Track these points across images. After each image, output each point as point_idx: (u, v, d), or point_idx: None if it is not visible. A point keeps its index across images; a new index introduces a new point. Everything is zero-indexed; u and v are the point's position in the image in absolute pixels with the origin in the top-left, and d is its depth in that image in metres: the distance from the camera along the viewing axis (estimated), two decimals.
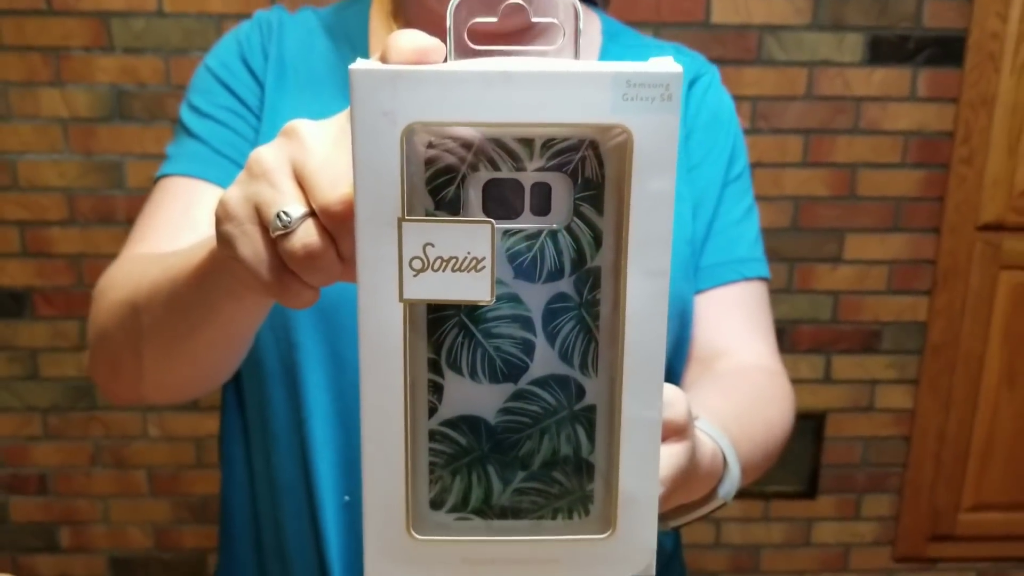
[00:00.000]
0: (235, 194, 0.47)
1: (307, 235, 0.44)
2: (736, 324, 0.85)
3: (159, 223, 0.79)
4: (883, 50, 2.08)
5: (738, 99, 2.05)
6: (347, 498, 0.81)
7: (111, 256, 0.81)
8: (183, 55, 1.95)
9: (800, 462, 2.33)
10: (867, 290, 2.22)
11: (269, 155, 0.47)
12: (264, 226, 0.46)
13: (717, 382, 0.81)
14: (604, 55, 0.87)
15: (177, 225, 0.78)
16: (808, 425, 2.30)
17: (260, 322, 0.65)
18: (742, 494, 2.27)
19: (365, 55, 0.83)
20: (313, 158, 0.45)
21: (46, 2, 1.91)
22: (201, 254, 0.57)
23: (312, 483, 0.81)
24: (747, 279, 0.86)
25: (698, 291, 0.85)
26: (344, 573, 0.81)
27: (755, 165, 2.09)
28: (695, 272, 0.85)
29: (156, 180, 0.84)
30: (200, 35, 1.95)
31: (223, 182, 0.80)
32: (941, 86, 2.10)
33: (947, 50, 2.08)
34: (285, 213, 0.44)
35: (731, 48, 2.03)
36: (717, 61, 1.99)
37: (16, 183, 2.01)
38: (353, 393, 0.77)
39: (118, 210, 2.03)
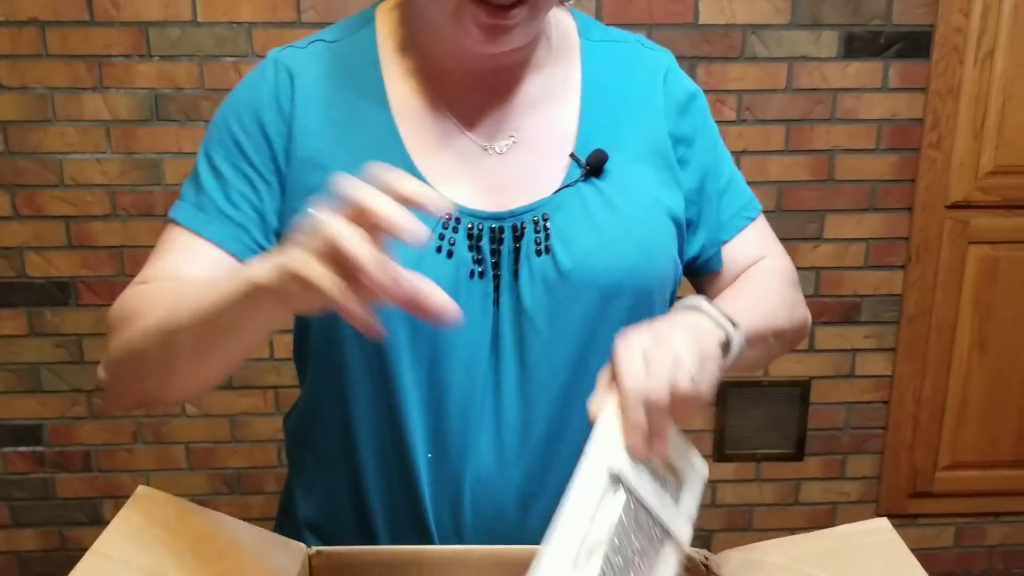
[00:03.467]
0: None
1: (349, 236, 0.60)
2: (756, 252, 1.01)
3: (161, 269, 0.87)
4: (857, 45, 2.16)
5: (724, 93, 2.14)
6: (429, 455, 0.89)
7: (150, 247, 0.89)
8: (216, 60, 2.05)
9: (788, 426, 2.42)
10: (846, 266, 2.30)
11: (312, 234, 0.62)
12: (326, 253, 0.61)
13: (739, 283, 0.98)
14: (584, 56, 0.93)
15: (176, 274, 0.86)
16: (794, 392, 2.39)
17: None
18: (734, 457, 2.40)
19: (380, 91, 0.89)
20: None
21: (89, 13, 2.01)
22: (241, 287, 0.68)
23: (402, 444, 0.88)
24: (753, 219, 1.01)
25: (724, 241, 0.99)
26: (434, 508, 0.90)
27: (741, 153, 2.18)
28: (717, 226, 0.98)
29: (169, 216, 0.89)
30: (231, 42, 2.05)
31: (220, 241, 0.87)
32: (910, 77, 2.19)
33: (915, 44, 2.16)
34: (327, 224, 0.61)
35: (717, 46, 2.13)
36: (705, 59, 2.14)
37: (62, 181, 2.11)
38: (438, 359, 0.85)
39: (157, 205, 2.13)
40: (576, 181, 0.89)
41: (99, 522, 2.34)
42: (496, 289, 0.86)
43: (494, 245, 0.86)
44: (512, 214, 0.87)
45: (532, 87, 0.92)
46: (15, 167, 2.10)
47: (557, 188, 0.89)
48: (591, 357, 0.87)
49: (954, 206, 2.27)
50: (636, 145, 0.92)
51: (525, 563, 0.81)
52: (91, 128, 2.09)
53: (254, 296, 0.67)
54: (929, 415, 2.42)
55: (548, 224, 0.87)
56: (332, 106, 0.89)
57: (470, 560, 0.82)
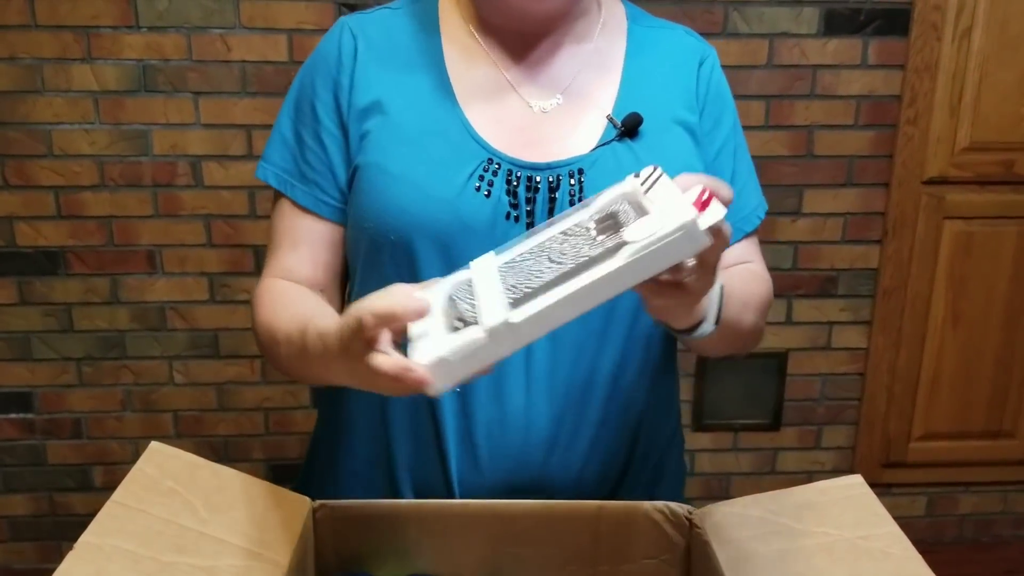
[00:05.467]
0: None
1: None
2: (746, 257, 1.06)
3: (277, 243, 1.01)
4: (836, 22, 2.18)
5: None
6: (457, 400, 0.95)
7: (138, 217, 0.92)
8: (203, 32, 2.06)
9: (765, 397, 2.46)
10: (824, 240, 2.34)
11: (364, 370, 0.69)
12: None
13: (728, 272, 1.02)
14: (630, 36, 1.02)
15: (287, 243, 1.00)
16: (771, 363, 2.43)
17: None
18: (712, 427, 2.45)
19: (437, 47, 0.98)
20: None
21: None
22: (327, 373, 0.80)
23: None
24: (755, 228, 1.07)
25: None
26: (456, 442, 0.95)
27: None
28: None
29: (267, 181, 1.02)
30: (219, 13, 2.06)
31: (309, 205, 0.99)
32: (889, 54, 2.21)
33: (894, 21, 2.19)
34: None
35: (699, 22, 2.15)
36: None
37: (51, 151, 2.11)
38: None
39: (144, 175, 2.14)
40: (611, 140, 0.96)
41: (89, 488, 2.36)
42: None
43: (530, 194, 0.93)
44: (549, 167, 0.94)
45: (578, 56, 1.00)
46: (4, 137, 2.11)
47: (594, 146, 0.96)
48: (618, 304, 0.94)
49: (930, 182, 2.30)
50: (669, 117, 0.99)
51: (520, 517, 0.85)
52: (79, 99, 2.10)
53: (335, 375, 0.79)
54: (903, 387, 2.47)
55: (583, 179, 0.94)
56: (391, 59, 0.98)
57: (467, 513, 0.86)
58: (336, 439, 1.05)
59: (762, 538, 0.80)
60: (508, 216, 0.93)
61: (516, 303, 0.67)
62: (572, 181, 0.94)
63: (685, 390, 2.44)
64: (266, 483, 0.83)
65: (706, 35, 2.10)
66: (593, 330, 0.95)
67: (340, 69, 0.98)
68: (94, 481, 2.36)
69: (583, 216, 0.75)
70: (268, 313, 0.95)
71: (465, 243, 0.90)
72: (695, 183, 0.70)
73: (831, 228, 2.35)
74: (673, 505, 0.86)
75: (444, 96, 0.96)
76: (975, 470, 2.57)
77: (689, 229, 0.66)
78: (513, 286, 0.70)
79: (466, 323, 0.68)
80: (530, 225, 0.93)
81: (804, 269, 2.37)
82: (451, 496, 0.95)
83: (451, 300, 0.72)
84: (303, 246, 0.99)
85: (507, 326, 0.66)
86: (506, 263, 0.75)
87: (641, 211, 0.70)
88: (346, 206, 0.98)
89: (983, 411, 2.51)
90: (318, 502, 0.84)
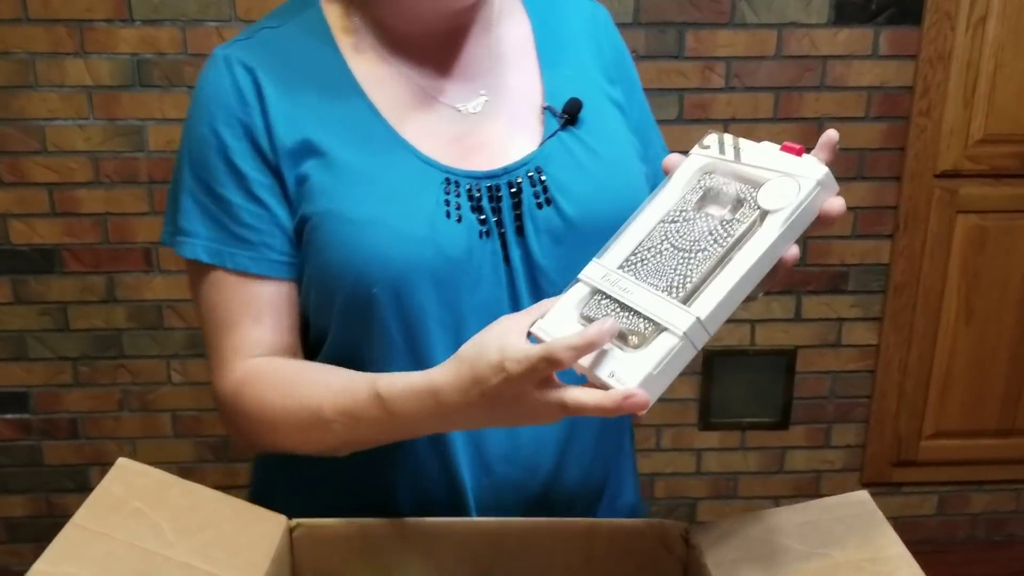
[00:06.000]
0: (512, 420, 0.74)
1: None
2: None
3: (232, 321, 0.88)
4: (847, 11, 2.14)
5: (713, 60, 2.13)
6: None
7: (134, 214, 0.90)
8: (199, 25, 2.03)
9: (773, 395, 2.43)
10: (833, 235, 2.30)
11: (512, 399, 0.71)
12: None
13: None
14: (530, 13, 0.98)
15: (247, 318, 0.88)
16: (780, 361, 2.40)
17: None
18: (719, 426, 2.42)
19: (343, 68, 0.89)
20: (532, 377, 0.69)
21: None
22: (437, 424, 0.79)
23: None
24: None
25: None
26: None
27: (729, 121, 2.18)
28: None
29: (186, 256, 0.89)
30: (215, 6, 2.02)
31: (263, 271, 0.88)
32: (901, 44, 2.17)
33: (906, 10, 2.15)
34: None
35: (706, 12, 2.11)
36: (693, 25, 2.13)
37: (45, 147, 2.09)
38: (462, 322, 0.86)
39: (140, 171, 2.11)
40: (557, 131, 0.91)
41: (86, 489, 2.29)
42: (504, 247, 0.88)
43: (494, 204, 0.88)
44: (506, 171, 0.89)
45: (489, 46, 0.95)
46: None
47: (540, 141, 0.91)
48: None
49: (943, 175, 2.26)
50: (596, 91, 0.96)
51: (509, 536, 0.81)
52: (74, 94, 2.07)
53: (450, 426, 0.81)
54: (914, 384, 2.43)
55: (543, 177, 0.89)
56: (300, 91, 0.88)
57: (452, 531, 0.82)
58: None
59: (761, 560, 0.75)
60: (481, 235, 0.87)
61: (688, 300, 0.67)
62: (533, 182, 0.89)
63: (691, 388, 2.41)
64: (241, 501, 0.79)
65: (713, 26, 2.16)
66: None
67: (246, 110, 0.86)
68: (91, 482, 2.34)
69: (672, 202, 0.76)
70: (284, 397, 0.85)
71: (453, 275, 0.85)
72: (677, 163, 0.77)
73: (841, 223, 2.24)
74: (668, 523, 0.82)
75: (374, 120, 0.88)
76: (988, 468, 2.53)
77: (825, 182, 0.69)
78: (665, 285, 0.70)
79: (635, 335, 0.68)
80: (502, 239, 0.88)
81: (814, 265, 2.34)
82: (459, 502, 0.90)
83: (586, 319, 0.72)
84: (266, 315, 0.88)
85: (699, 324, 0.66)
86: (621, 268, 0.74)
87: (747, 179, 0.72)
88: (297, 260, 0.89)
89: (996, 409, 2.46)
90: (295, 521, 0.80)
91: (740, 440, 2.48)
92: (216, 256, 0.88)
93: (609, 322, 0.67)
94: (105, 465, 2.28)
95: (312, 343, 0.93)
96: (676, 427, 2.45)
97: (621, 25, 2.17)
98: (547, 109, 0.93)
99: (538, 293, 0.88)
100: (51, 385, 2.28)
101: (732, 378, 2.42)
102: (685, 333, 0.65)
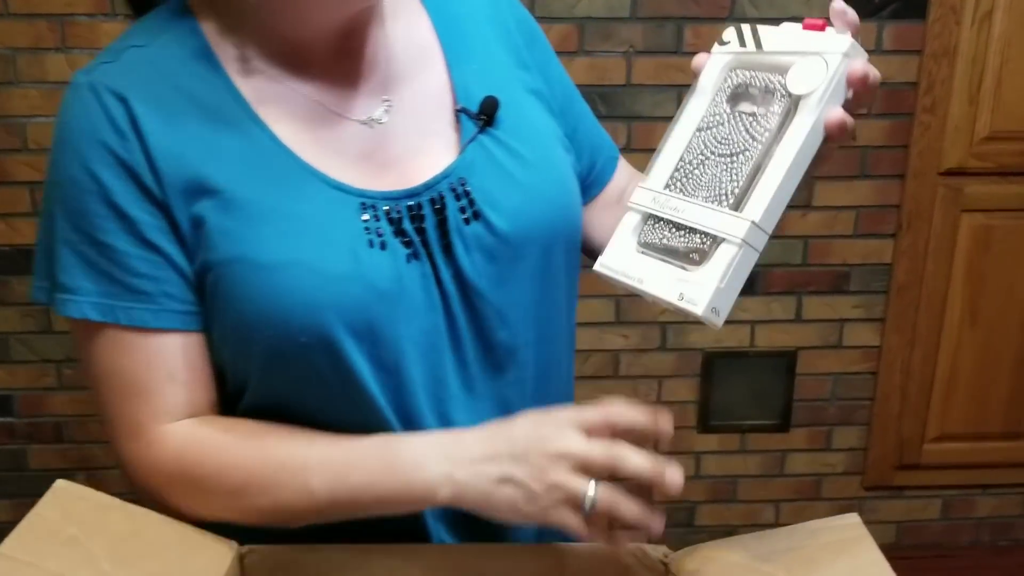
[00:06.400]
0: (527, 484, 0.70)
1: (609, 498, 0.69)
2: (627, 187, 1.00)
3: (139, 385, 0.78)
4: (850, 5, 2.08)
5: None
6: None
7: None
8: None
9: (774, 397, 2.39)
10: (835, 234, 2.27)
11: (543, 458, 0.70)
12: (571, 504, 0.69)
13: None
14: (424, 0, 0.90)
15: (157, 379, 0.77)
16: (781, 362, 2.36)
17: None
18: (719, 428, 2.38)
19: (229, 89, 0.78)
20: (572, 445, 0.69)
21: None
22: (414, 498, 0.75)
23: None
24: (618, 161, 1.02)
25: (601, 188, 1.00)
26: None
27: None
28: (599, 144, 1.00)
29: (71, 315, 0.78)
30: None
31: (165, 325, 0.77)
32: (905, 39, 2.13)
33: (910, 4, 2.11)
34: (590, 497, 0.68)
35: (706, 6, 2.07)
36: (693, 19, 2.08)
37: (26, 145, 2.05)
38: (400, 358, 0.78)
39: None
40: (476, 136, 0.84)
41: None
42: (434, 269, 0.81)
43: (417, 224, 0.80)
44: (426, 187, 0.81)
45: (387, 46, 0.85)
46: None
47: (459, 148, 0.84)
48: (545, 312, 0.87)
49: (947, 173, 2.22)
50: (511, 83, 0.89)
51: (478, 562, 0.76)
52: (55, 90, 2.02)
53: (429, 504, 0.76)
54: (917, 386, 2.39)
55: (468, 188, 0.81)
56: (183, 120, 0.77)
57: (414, 556, 0.78)
58: None
59: None
60: (408, 259, 0.79)
61: (739, 205, 0.67)
62: (458, 195, 0.81)
63: (690, 390, 2.37)
64: (187, 526, 0.74)
65: (713, 20, 2.11)
66: (526, 342, 0.86)
67: (125, 145, 0.74)
68: None
69: (702, 108, 0.73)
70: (249, 458, 0.77)
71: (385, 308, 0.77)
72: (702, 63, 0.75)
73: (843, 222, 2.27)
74: (648, 548, 0.77)
75: (272, 147, 0.78)
76: (993, 472, 2.50)
77: (851, 53, 0.66)
78: (714, 195, 0.69)
79: (695, 252, 0.68)
80: (431, 260, 0.80)
81: (815, 265, 2.30)
82: (420, 526, 0.84)
83: (644, 247, 0.73)
84: (180, 373, 0.78)
85: (755, 227, 0.66)
86: (666, 186, 0.73)
87: (772, 67, 0.69)
88: (202, 308, 0.79)
89: (1001, 412, 2.43)
90: (246, 547, 0.76)
91: (740, 443, 2.44)
92: (108, 313, 0.76)
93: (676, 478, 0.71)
94: (92, 470, 2.26)
95: (229, 392, 0.83)
96: (675, 429, 2.39)
97: (618, 20, 2.16)
98: (461, 112, 0.85)
99: (475, 314, 0.82)
100: (35, 388, 2.24)
101: (732, 380, 2.38)
102: (743, 240, 0.65)
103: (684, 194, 0.71)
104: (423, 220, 0.80)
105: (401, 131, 0.83)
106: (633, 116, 2.14)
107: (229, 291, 0.75)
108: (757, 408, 2.41)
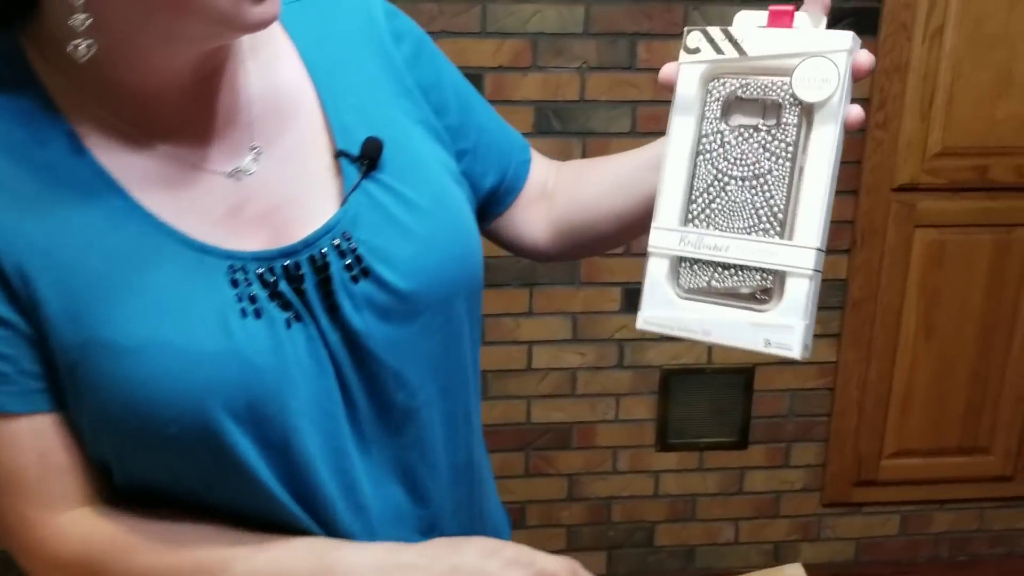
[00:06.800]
0: None
1: None
2: (547, 179, 0.96)
3: (19, 478, 0.69)
4: None
5: None
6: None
7: None
8: None
9: (732, 414, 2.38)
10: None
11: None
12: None
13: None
14: (286, 25, 0.79)
15: (30, 472, 0.69)
16: (738, 379, 2.35)
17: None
18: (677, 447, 2.36)
19: (83, 157, 0.68)
20: None
21: None
22: None
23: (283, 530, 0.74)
24: (532, 159, 0.95)
25: (518, 192, 0.93)
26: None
27: None
28: (508, 149, 0.93)
29: None
30: None
31: (23, 404, 0.68)
32: None
33: (863, 20, 2.10)
34: None
35: (659, 22, 2.06)
36: (645, 35, 2.07)
37: None
38: (290, 437, 0.71)
39: None
40: (359, 182, 0.75)
41: None
42: (320, 331, 0.72)
43: (295, 285, 0.71)
44: (305, 244, 0.72)
45: (250, 87, 0.75)
46: None
47: (342, 198, 0.74)
48: (447, 368, 0.79)
49: (900, 188, 2.23)
50: (394, 115, 0.80)
51: None
52: None
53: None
54: (874, 402, 2.39)
55: (354, 244, 0.73)
56: (21, 189, 0.66)
57: None
58: None
59: None
60: (288, 323, 0.70)
61: (787, 232, 0.64)
62: (342, 252, 0.72)
63: (648, 408, 2.35)
64: None
65: (666, 36, 2.10)
66: (426, 401, 0.78)
67: None
68: None
69: (693, 128, 0.68)
70: (150, 563, 0.70)
71: (267, 384, 0.68)
72: (672, 75, 0.68)
73: None
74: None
75: (125, 209, 0.68)
76: (950, 487, 2.51)
77: (853, 47, 0.64)
78: (753, 225, 0.65)
79: (761, 292, 0.64)
80: (315, 321, 0.71)
81: None
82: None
83: (693, 293, 0.67)
84: (60, 456, 0.70)
85: (820, 253, 0.63)
86: (687, 221, 0.68)
87: (767, 73, 0.65)
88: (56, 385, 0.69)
89: (958, 427, 2.43)
90: None
91: (699, 461, 2.42)
92: None
93: None
94: None
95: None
96: (633, 449, 2.38)
97: (571, 36, 2.15)
98: (341, 155, 0.75)
99: (370, 378, 0.74)
100: None
101: (690, 397, 2.36)
102: (812, 270, 0.62)
103: (716, 228, 0.66)
104: (302, 281, 0.71)
105: (273, 182, 0.74)
106: (587, 132, 2.12)
107: (84, 379, 0.66)
108: (715, 425, 2.39)
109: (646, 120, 2.12)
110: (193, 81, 0.71)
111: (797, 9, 0.66)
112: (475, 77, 2.00)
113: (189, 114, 0.72)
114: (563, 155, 2.13)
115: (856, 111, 0.64)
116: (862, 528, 2.52)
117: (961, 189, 2.24)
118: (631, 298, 2.24)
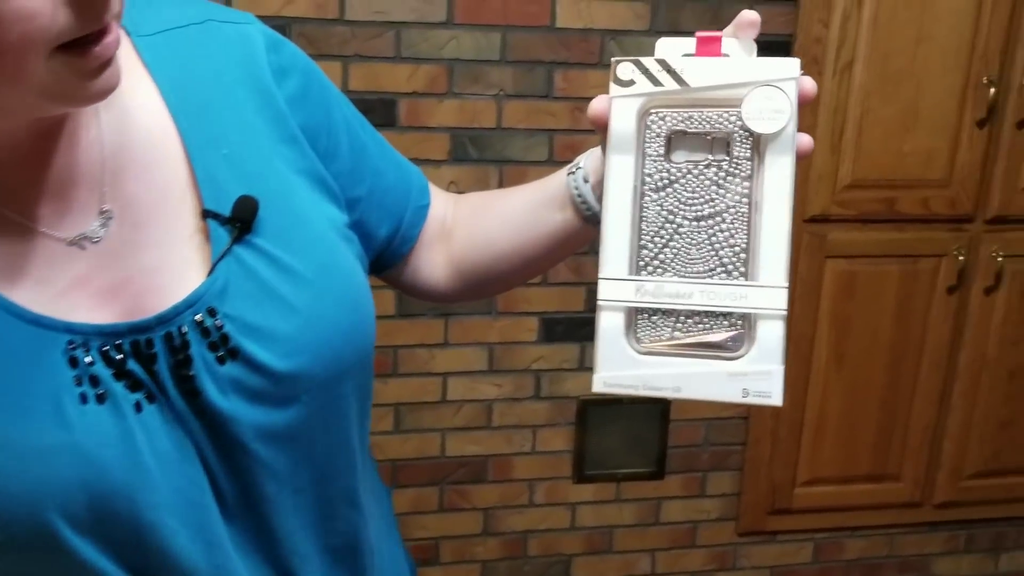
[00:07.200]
0: None
1: None
2: (444, 200, 0.88)
3: None
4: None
5: (583, 100, 2.04)
6: None
7: None
8: None
9: (648, 444, 2.36)
10: None
11: None
12: None
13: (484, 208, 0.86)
14: (144, 56, 0.68)
15: None
16: (655, 409, 2.33)
17: None
18: (594, 478, 2.33)
19: None
20: None
21: None
22: None
23: None
24: (430, 200, 0.87)
25: (415, 240, 0.85)
26: None
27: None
28: (406, 193, 0.84)
29: None
30: None
31: None
32: None
33: (775, 53, 2.04)
34: None
35: (576, 51, 2.05)
36: (563, 64, 2.05)
37: None
38: (153, 551, 0.63)
39: None
40: (229, 248, 0.65)
41: None
42: (179, 416, 0.63)
43: (147, 365, 0.62)
44: (161, 320, 0.63)
45: (103, 140, 0.65)
46: None
47: (209, 266, 0.65)
48: (329, 451, 0.71)
49: (812, 220, 2.24)
50: (273, 166, 0.69)
51: None
52: None
53: None
54: (787, 430, 2.40)
55: (220, 320, 0.63)
56: None
57: None
58: None
59: None
60: (140, 406, 0.61)
61: (746, 273, 0.61)
62: (206, 330, 0.63)
63: (565, 440, 2.32)
64: None
65: (583, 66, 2.09)
66: (315, 498, 0.71)
67: None
68: None
69: (630, 167, 0.63)
70: None
71: (117, 485, 0.60)
72: (603, 111, 0.63)
73: None
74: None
75: None
76: (861, 514, 2.53)
77: (798, 76, 0.61)
78: (714, 267, 0.61)
79: (731, 339, 0.61)
80: (168, 404, 0.63)
81: None
82: None
83: (656, 350, 0.62)
84: None
85: (783, 292, 0.60)
86: (640, 270, 0.63)
87: (711, 104, 0.61)
88: None
89: (868, 454, 2.46)
90: None
91: (615, 492, 2.40)
92: None
93: None
94: None
95: None
96: (549, 481, 2.35)
97: (488, 63, 2.12)
98: (209, 216, 0.65)
99: (240, 469, 0.66)
100: None
101: (606, 428, 2.34)
102: (783, 312, 0.60)
103: (674, 274, 0.62)
104: (154, 361, 0.62)
105: (127, 248, 0.64)
106: (504, 160, 2.09)
107: None
108: (632, 456, 2.38)
109: (563, 149, 2.10)
110: (29, 139, 0.61)
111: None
112: (389, 103, 1.96)
113: (26, 176, 0.62)
114: (480, 182, 2.11)
115: (806, 140, 0.62)
116: (777, 556, 2.53)
117: (870, 221, 2.27)
118: (548, 328, 2.21)
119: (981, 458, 2.49)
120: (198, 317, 0.63)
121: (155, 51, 0.68)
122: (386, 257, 0.84)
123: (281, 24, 1.86)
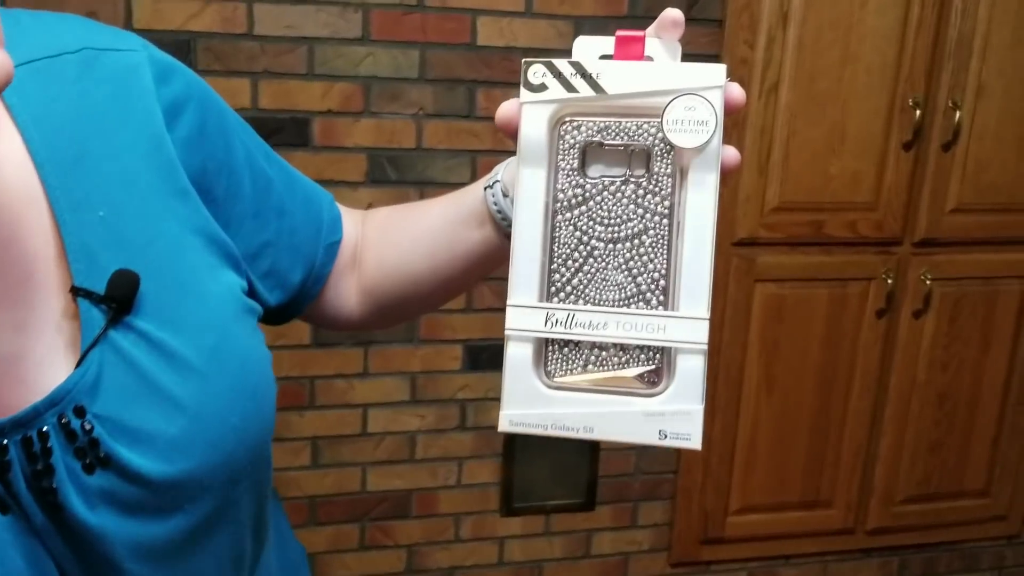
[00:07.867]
0: None
1: None
2: (355, 219, 0.80)
3: None
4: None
5: None
6: None
7: None
8: None
9: (578, 474, 2.31)
10: None
11: None
12: None
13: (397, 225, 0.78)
14: (12, 108, 0.56)
15: None
16: None
17: None
18: (523, 511, 2.26)
19: None
20: None
21: None
22: None
23: None
24: (340, 240, 0.78)
25: (327, 278, 0.77)
26: None
27: None
28: (317, 231, 0.75)
29: None
30: None
31: None
32: None
33: None
34: None
35: (498, 70, 2.00)
36: (484, 83, 1.99)
37: None
38: None
39: None
40: (104, 333, 0.55)
41: None
42: (37, 535, 0.54)
43: (4, 474, 0.53)
44: (16, 422, 0.53)
45: None
46: None
47: (77, 357, 0.54)
48: (216, 564, 0.62)
49: (740, 243, 2.22)
50: (161, 224, 0.59)
51: None
52: None
53: None
54: (719, 458, 2.37)
55: (89, 422, 0.53)
56: None
57: None
58: None
59: None
60: None
61: (665, 302, 0.55)
62: (71, 434, 0.53)
63: (492, 472, 2.24)
64: None
65: (505, 84, 2.02)
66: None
67: None
68: None
69: (541, 182, 0.56)
70: None
71: None
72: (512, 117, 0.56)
73: None
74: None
75: None
76: (794, 542, 2.50)
77: (724, 84, 0.55)
78: (631, 295, 0.55)
79: (648, 374, 0.55)
80: (22, 513, 0.53)
81: None
82: None
83: (561, 384, 0.56)
84: None
85: (705, 324, 0.54)
86: (551, 296, 0.56)
87: (629, 114, 0.55)
88: None
89: (799, 481, 2.43)
90: None
91: (545, 525, 2.33)
92: None
93: None
94: None
95: None
96: (476, 515, 2.27)
97: (406, 81, 2.05)
98: (80, 294, 0.55)
99: None
100: None
101: (535, 459, 2.27)
102: (703, 346, 0.54)
103: (587, 301, 0.56)
104: (7, 470, 0.52)
105: None
106: (425, 181, 2.01)
107: None
108: (561, 487, 2.31)
109: (486, 170, 2.01)
110: None
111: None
112: (302, 121, 1.87)
113: None
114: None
115: (732, 154, 0.55)
116: None
117: (798, 244, 2.25)
118: (473, 356, 2.14)
119: (912, 482, 2.49)
120: (63, 418, 0.53)
121: (19, 88, 0.55)
122: (297, 301, 0.76)
123: (185, 39, 1.76)
